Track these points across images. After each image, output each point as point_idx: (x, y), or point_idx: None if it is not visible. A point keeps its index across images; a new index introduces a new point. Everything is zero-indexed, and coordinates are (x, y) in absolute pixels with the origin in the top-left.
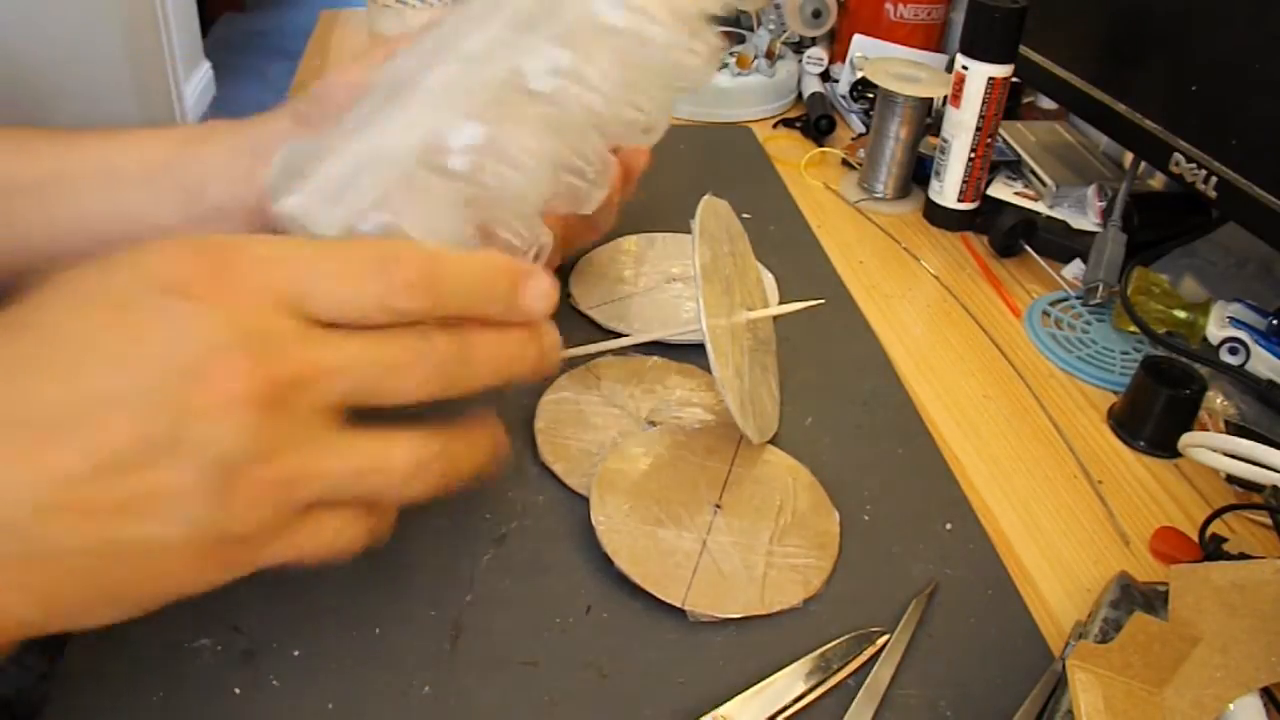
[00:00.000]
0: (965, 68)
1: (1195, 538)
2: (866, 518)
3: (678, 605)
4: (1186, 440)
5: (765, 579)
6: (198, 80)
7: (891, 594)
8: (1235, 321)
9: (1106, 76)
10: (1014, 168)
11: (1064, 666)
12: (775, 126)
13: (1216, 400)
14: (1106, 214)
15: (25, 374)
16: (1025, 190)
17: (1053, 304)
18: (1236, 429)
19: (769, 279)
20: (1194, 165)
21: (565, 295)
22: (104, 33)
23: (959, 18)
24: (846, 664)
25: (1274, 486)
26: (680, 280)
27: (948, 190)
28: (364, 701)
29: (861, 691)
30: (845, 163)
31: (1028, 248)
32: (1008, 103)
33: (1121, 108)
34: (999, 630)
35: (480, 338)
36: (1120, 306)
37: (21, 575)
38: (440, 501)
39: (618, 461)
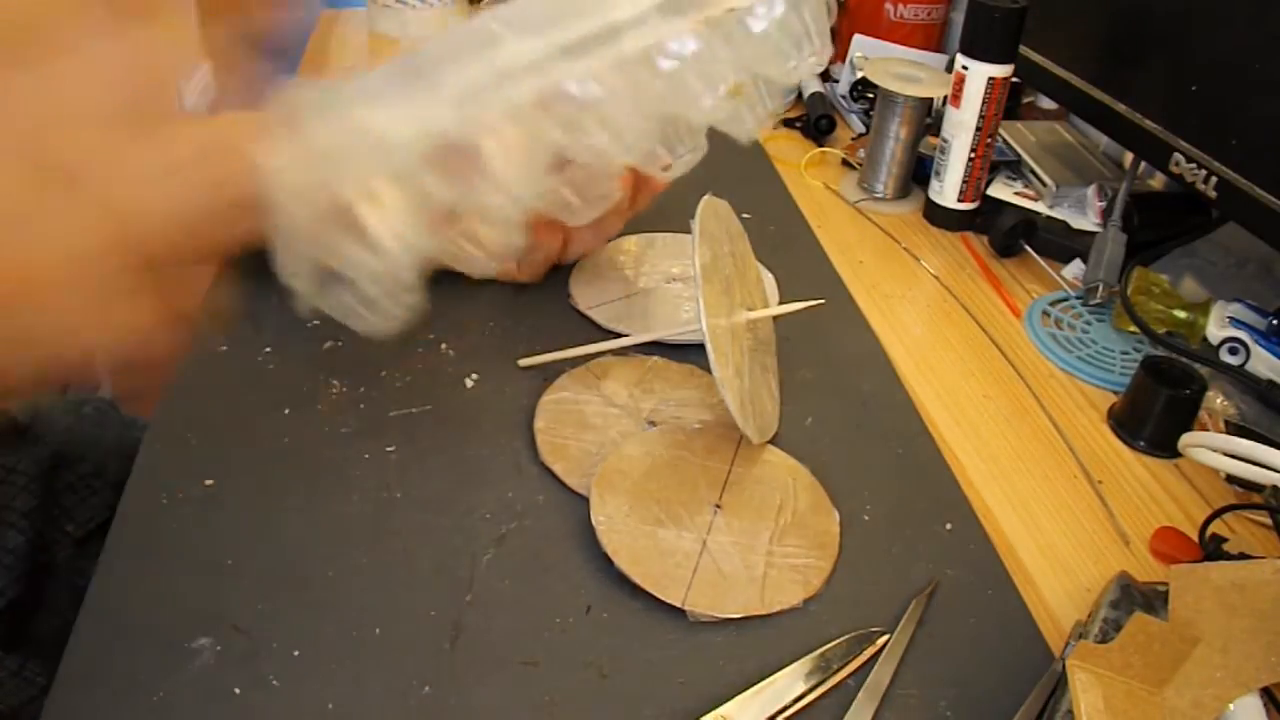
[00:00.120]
0: (965, 68)
1: (1195, 538)
2: (866, 518)
3: (678, 605)
4: (1186, 440)
5: (765, 579)
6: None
7: (891, 594)
8: (1235, 321)
9: (1106, 76)
10: (1014, 168)
11: (1064, 666)
12: (775, 126)
13: (1216, 400)
14: (1106, 214)
15: None
16: (1025, 190)
17: (1053, 304)
18: (1236, 429)
19: (769, 279)
20: (1194, 165)
21: (565, 295)
22: None
23: (959, 18)
24: (846, 664)
25: (1274, 486)
26: (680, 280)
27: (948, 190)
28: (364, 701)
29: (861, 691)
30: (845, 163)
31: (1028, 248)
32: (1008, 103)
33: (1121, 108)
34: (999, 630)
35: None
36: (1120, 306)
37: None
38: (440, 501)
39: (618, 461)
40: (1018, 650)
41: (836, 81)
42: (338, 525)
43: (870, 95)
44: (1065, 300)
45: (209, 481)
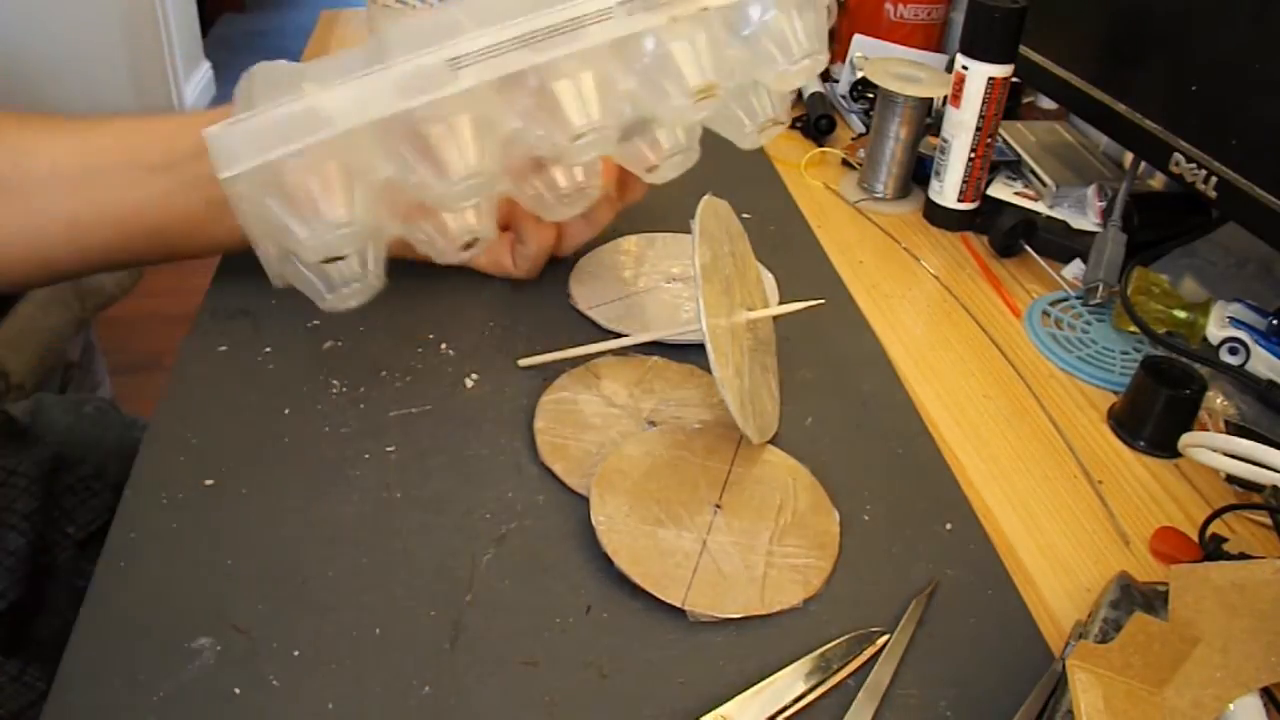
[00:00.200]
0: (965, 68)
1: (1195, 538)
2: (866, 518)
3: (678, 605)
4: (1186, 440)
5: (765, 579)
6: (198, 80)
7: (891, 594)
8: (1235, 321)
9: (1106, 76)
10: (1014, 168)
11: (1064, 666)
12: None
13: (1216, 400)
14: (1106, 214)
15: None
16: (1025, 190)
17: (1053, 304)
18: (1236, 429)
19: (769, 279)
20: (1194, 165)
21: (565, 295)
22: (104, 33)
23: (959, 18)
24: (846, 664)
25: (1274, 486)
26: (680, 280)
27: (948, 190)
28: (364, 701)
29: (861, 691)
30: (845, 163)
31: (1028, 248)
32: (1008, 103)
33: (1121, 108)
34: (999, 630)
35: None
36: (1120, 306)
37: None
38: (440, 501)
39: (618, 461)
40: (1018, 650)
41: (836, 81)
42: (338, 525)
43: (870, 95)
44: (1065, 300)
45: (209, 481)
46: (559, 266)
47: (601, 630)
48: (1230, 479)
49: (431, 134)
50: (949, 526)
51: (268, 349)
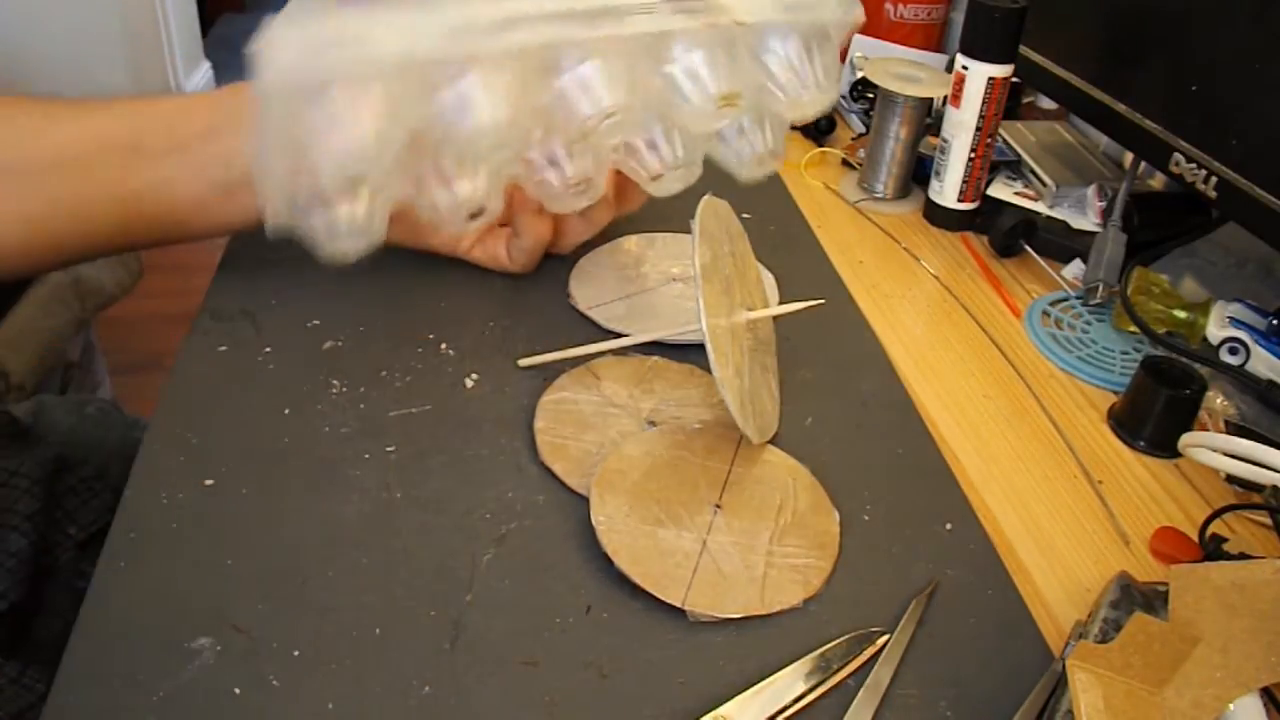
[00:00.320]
0: (965, 68)
1: (1195, 538)
2: (866, 518)
3: (678, 605)
4: (1186, 440)
5: (765, 579)
6: (198, 80)
7: (891, 594)
8: (1235, 321)
9: (1106, 76)
10: (1014, 168)
11: (1064, 666)
12: None
13: (1216, 400)
14: (1106, 214)
15: None
16: (1025, 190)
17: (1053, 304)
18: (1236, 429)
19: (769, 279)
20: (1194, 165)
21: (565, 295)
22: (104, 33)
23: (959, 18)
24: (846, 664)
25: (1274, 486)
26: (680, 280)
27: (948, 190)
28: (364, 701)
29: (861, 691)
30: (845, 163)
31: (1028, 248)
32: (1008, 103)
33: (1121, 108)
34: (999, 630)
35: None
36: (1120, 306)
37: None
38: (440, 501)
39: (618, 461)
40: (1018, 650)
41: None
42: (338, 525)
43: (870, 95)
44: (1065, 300)
45: (209, 481)
46: (559, 266)
47: (601, 630)
48: (1230, 479)
49: (471, 82)
50: (949, 526)
51: (268, 349)
